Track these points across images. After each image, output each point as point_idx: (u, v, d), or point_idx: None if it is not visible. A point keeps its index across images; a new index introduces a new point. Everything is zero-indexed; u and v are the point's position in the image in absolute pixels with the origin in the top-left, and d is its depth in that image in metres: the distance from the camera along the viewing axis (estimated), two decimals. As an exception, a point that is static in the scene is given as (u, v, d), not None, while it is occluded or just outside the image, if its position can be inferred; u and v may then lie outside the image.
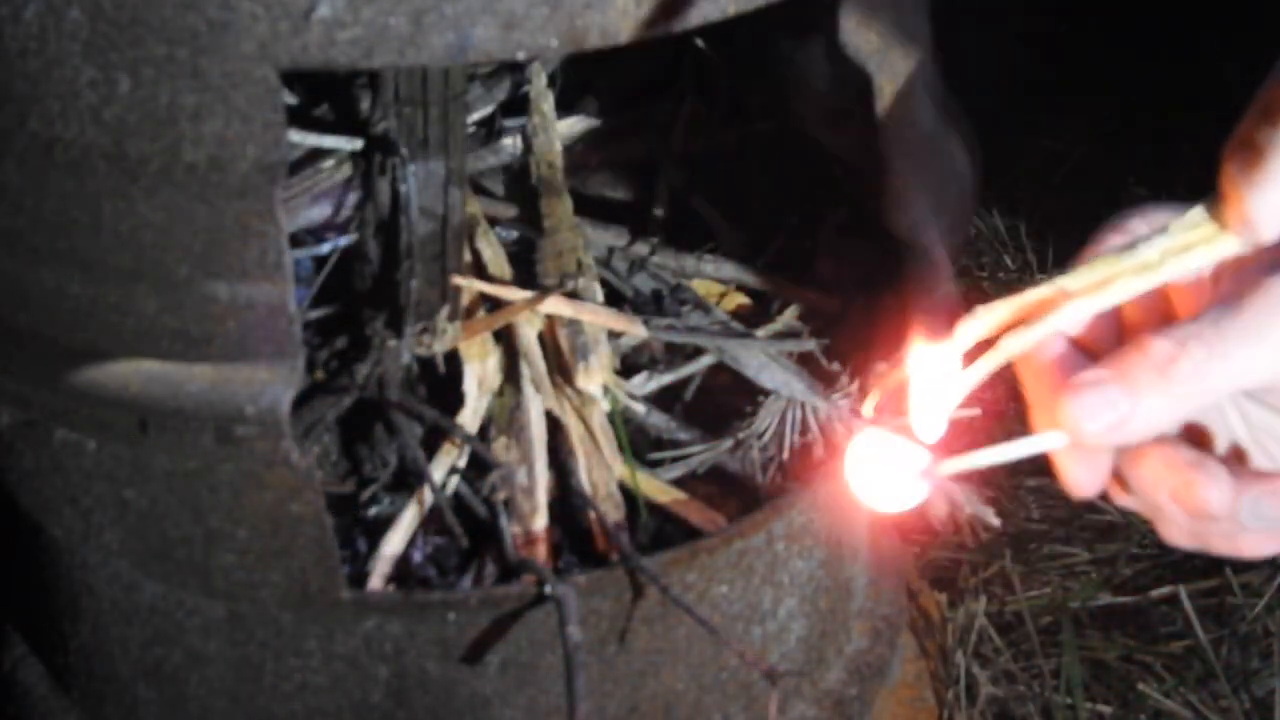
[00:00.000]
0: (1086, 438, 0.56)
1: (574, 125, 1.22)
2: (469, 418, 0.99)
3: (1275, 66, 0.51)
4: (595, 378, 0.99)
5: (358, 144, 1.09)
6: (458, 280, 1.04)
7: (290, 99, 1.12)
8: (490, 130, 1.20)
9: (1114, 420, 0.55)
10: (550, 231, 1.11)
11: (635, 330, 1.03)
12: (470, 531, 0.95)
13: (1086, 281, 0.55)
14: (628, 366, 1.06)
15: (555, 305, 1.02)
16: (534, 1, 0.68)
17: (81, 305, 0.80)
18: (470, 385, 1.00)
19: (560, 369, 1.01)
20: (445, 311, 1.03)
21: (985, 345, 0.58)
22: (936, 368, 0.58)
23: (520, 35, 0.69)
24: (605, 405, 1.00)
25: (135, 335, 0.80)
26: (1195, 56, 1.88)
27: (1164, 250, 0.55)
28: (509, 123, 1.20)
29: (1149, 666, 1.33)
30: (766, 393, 1.03)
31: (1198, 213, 0.54)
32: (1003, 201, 1.80)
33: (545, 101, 1.19)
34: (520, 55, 0.70)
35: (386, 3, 0.67)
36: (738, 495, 1.00)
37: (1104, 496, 0.61)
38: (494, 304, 1.05)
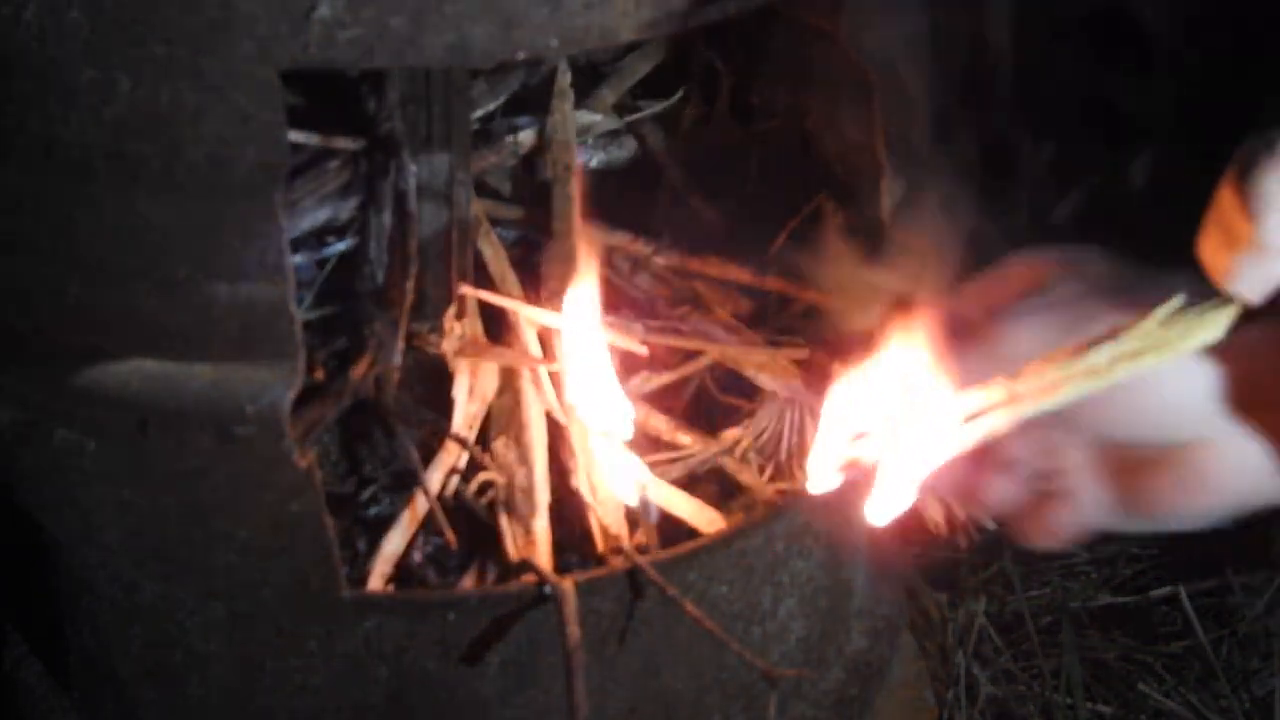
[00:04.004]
0: None
1: (579, 122, 1.21)
2: (461, 422, 0.99)
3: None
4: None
5: (361, 144, 1.08)
6: (465, 290, 1.04)
7: (294, 99, 1.11)
8: (509, 127, 1.19)
9: None
10: (560, 235, 1.11)
11: (634, 347, 1.02)
12: (470, 531, 0.95)
13: (1037, 385, 0.58)
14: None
15: (554, 323, 1.02)
16: (534, 1, 0.68)
17: (81, 305, 0.80)
18: (460, 392, 1.00)
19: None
20: (452, 311, 1.03)
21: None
22: (896, 454, 0.61)
23: (520, 35, 0.69)
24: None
25: (135, 335, 0.80)
26: (1197, 62, 1.87)
27: (1112, 357, 0.57)
28: (517, 120, 1.19)
29: (1149, 666, 1.33)
30: (766, 393, 1.03)
31: (1149, 322, 0.56)
32: (1003, 201, 1.79)
33: (567, 101, 1.18)
34: (520, 55, 0.70)
35: (386, 3, 0.67)
36: (738, 495, 1.00)
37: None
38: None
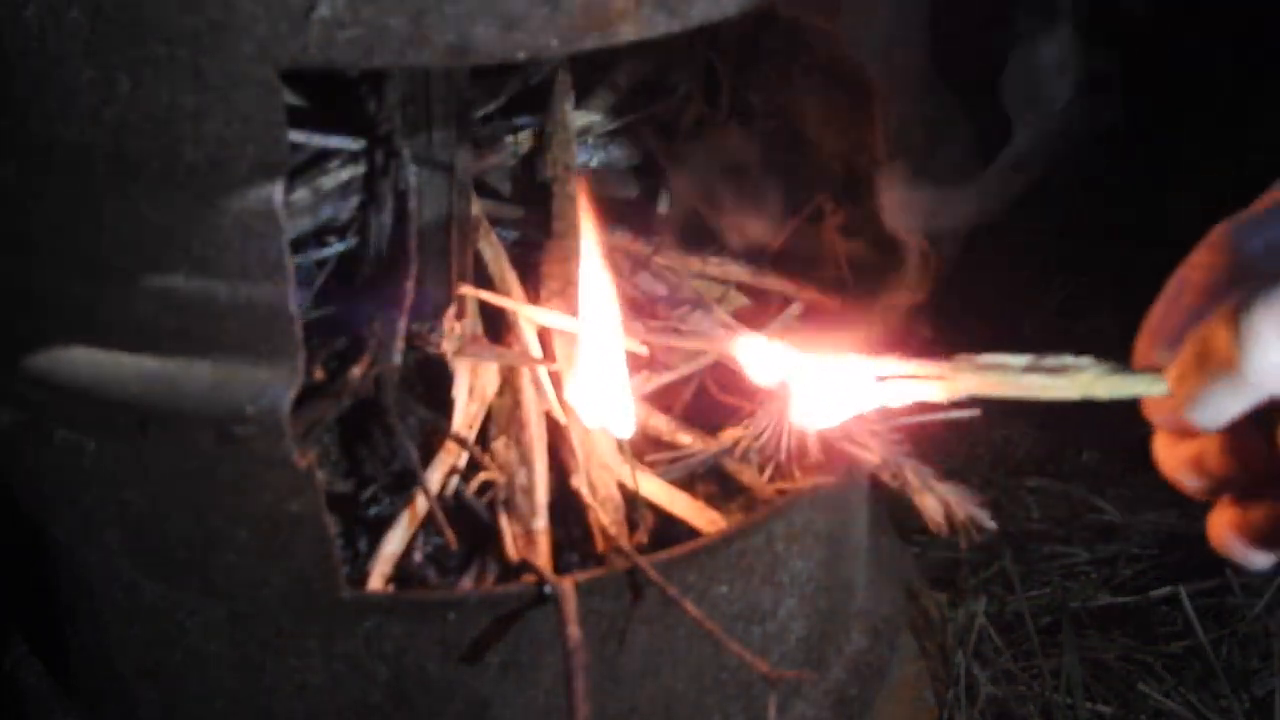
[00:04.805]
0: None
1: (579, 122, 1.21)
2: (461, 421, 0.99)
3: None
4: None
5: (361, 144, 1.08)
6: (465, 290, 1.04)
7: (294, 99, 1.12)
8: (509, 127, 1.19)
9: None
10: (559, 235, 1.11)
11: (634, 347, 1.02)
12: (470, 531, 0.95)
13: (961, 370, 0.65)
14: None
15: (554, 323, 1.02)
16: (534, 1, 0.68)
17: (81, 305, 0.80)
18: (460, 391, 1.00)
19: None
20: (452, 311, 1.03)
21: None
22: (840, 384, 0.67)
23: (520, 35, 0.69)
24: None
25: (135, 335, 0.80)
26: (1199, 66, 1.87)
27: (1029, 368, 0.63)
28: (517, 120, 1.19)
29: (1149, 666, 1.33)
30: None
31: (1086, 360, 0.61)
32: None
33: (567, 101, 1.18)
34: (520, 55, 0.70)
35: (386, 3, 0.67)
36: (738, 495, 1.00)
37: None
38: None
